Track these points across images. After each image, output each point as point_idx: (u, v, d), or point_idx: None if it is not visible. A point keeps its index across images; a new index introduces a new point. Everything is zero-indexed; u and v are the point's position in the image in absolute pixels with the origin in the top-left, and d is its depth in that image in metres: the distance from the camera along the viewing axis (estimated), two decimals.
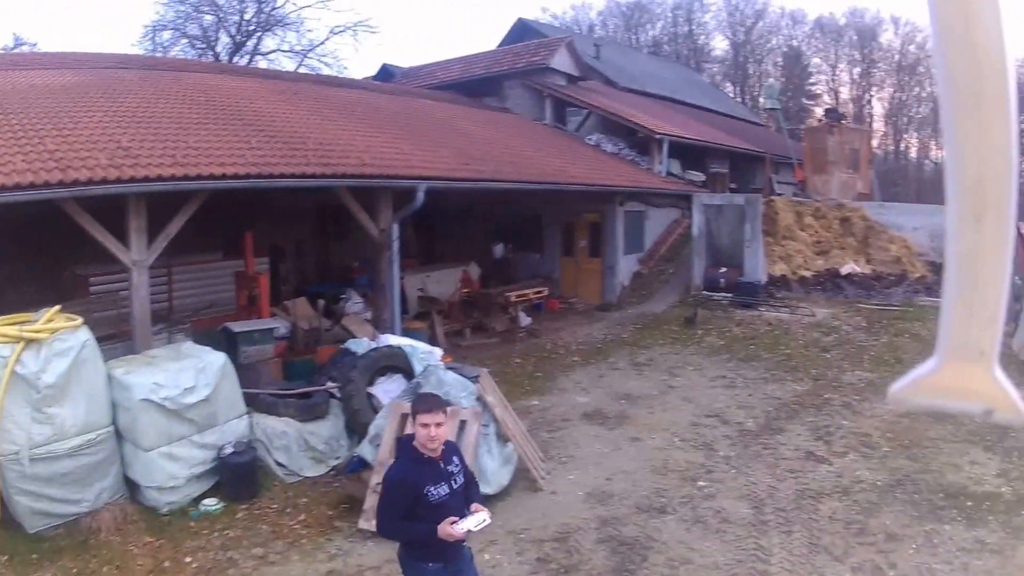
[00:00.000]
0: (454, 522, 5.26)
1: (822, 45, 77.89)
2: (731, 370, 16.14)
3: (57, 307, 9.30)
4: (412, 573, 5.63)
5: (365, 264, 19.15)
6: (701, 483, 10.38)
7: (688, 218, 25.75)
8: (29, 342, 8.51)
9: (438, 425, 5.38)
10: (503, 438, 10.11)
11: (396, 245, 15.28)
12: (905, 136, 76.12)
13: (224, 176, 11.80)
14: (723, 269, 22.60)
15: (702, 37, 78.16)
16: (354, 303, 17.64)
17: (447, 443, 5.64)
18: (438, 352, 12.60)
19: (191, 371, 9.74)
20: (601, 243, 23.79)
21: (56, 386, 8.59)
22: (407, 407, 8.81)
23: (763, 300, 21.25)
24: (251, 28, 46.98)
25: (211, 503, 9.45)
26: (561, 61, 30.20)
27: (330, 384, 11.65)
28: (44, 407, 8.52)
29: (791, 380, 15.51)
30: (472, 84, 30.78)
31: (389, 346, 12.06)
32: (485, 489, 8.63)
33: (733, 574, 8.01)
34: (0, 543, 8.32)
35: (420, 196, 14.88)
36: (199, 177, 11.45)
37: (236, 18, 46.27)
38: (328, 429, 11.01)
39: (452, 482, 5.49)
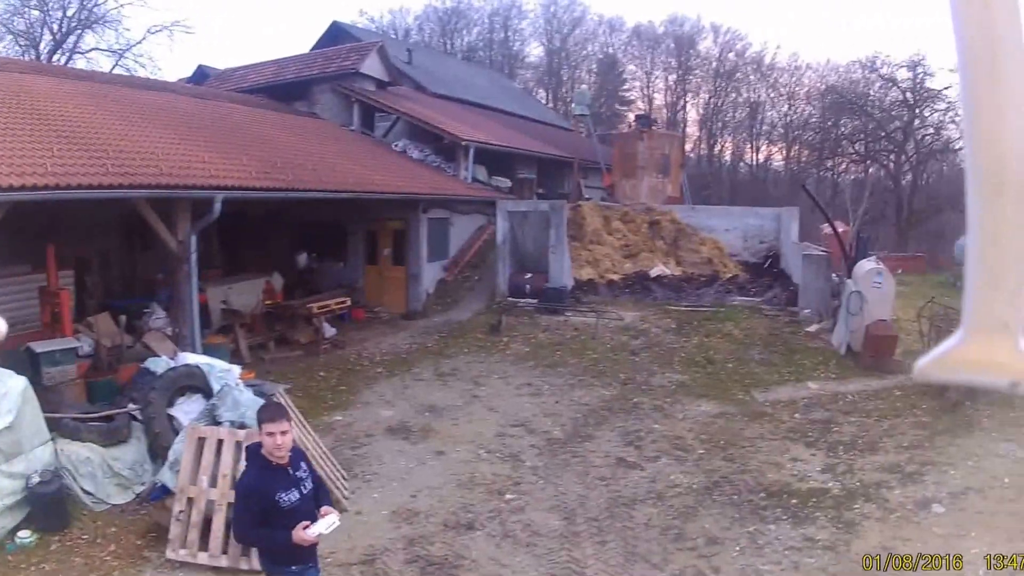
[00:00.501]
0: (307, 526, 5.57)
1: (638, 52, 79.27)
2: (537, 377, 16.33)
3: None
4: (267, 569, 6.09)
5: (168, 276, 18.35)
6: (509, 496, 10.48)
7: (494, 224, 25.83)
8: None
9: (283, 433, 5.71)
10: (308, 460, 10.04)
11: (194, 258, 15.01)
12: (720, 140, 78.02)
13: (23, 187, 11.26)
14: (529, 275, 22.88)
15: (518, 44, 78.99)
16: (157, 318, 16.99)
17: (294, 450, 5.94)
18: (236, 370, 12.46)
19: None
20: (405, 251, 23.81)
21: None
22: (204, 431, 9.18)
23: (569, 305, 21.48)
24: (72, 25, 45.66)
25: (25, 535, 9.13)
26: (372, 66, 30.35)
27: (131, 406, 11.22)
28: None
29: (599, 385, 15.78)
30: (283, 88, 30.51)
31: (187, 365, 11.83)
32: None
33: None
34: None
35: (217, 207, 14.75)
36: None
37: (60, 14, 45.03)
38: (132, 453, 10.68)
39: (302, 487, 5.82)
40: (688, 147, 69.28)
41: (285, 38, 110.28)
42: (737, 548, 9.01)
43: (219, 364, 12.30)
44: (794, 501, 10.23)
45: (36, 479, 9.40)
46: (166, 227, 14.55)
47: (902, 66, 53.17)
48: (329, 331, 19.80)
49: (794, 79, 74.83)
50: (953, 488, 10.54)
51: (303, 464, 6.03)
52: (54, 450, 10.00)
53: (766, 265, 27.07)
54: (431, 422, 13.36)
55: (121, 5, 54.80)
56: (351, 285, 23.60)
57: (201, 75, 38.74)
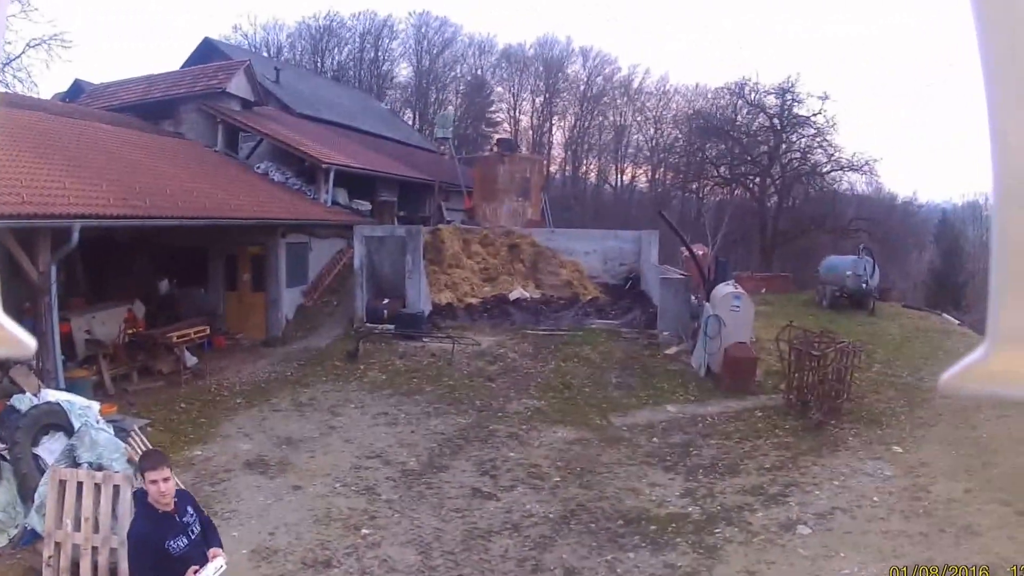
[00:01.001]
0: (196, 571, 5.55)
1: (507, 75, 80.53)
2: (393, 406, 16.29)
3: None
4: None
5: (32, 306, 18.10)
6: (365, 531, 10.47)
7: (351, 248, 25.86)
8: None
9: (165, 480, 5.68)
10: None
11: (54, 289, 14.84)
12: (585, 162, 79.60)
13: None
14: (386, 300, 22.91)
15: (387, 64, 79.36)
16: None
17: (180, 494, 6.02)
18: (96, 406, 12.27)
19: None
20: (265, 276, 23.64)
21: None
22: (65, 473, 9.20)
23: (427, 331, 21.52)
24: None
25: None
26: (238, 85, 30.22)
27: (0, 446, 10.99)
28: None
29: (455, 413, 15.82)
30: (152, 107, 29.97)
31: (48, 403, 11.66)
32: None
33: None
34: None
35: (75, 236, 14.39)
36: None
37: None
38: (3, 495, 10.35)
39: (189, 532, 5.79)
40: (553, 168, 70.49)
41: (162, 51, 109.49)
42: None
43: (79, 400, 12.20)
44: (653, 527, 10.42)
45: None
46: (28, 257, 14.36)
47: (770, 93, 54.55)
48: (191, 360, 19.43)
49: (661, 103, 76.83)
50: (819, 509, 10.92)
51: (189, 509, 5.99)
52: None
53: (627, 287, 27.55)
54: (288, 455, 13.24)
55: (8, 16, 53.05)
56: (212, 311, 23.27)
57: (77, 89, 38.31)
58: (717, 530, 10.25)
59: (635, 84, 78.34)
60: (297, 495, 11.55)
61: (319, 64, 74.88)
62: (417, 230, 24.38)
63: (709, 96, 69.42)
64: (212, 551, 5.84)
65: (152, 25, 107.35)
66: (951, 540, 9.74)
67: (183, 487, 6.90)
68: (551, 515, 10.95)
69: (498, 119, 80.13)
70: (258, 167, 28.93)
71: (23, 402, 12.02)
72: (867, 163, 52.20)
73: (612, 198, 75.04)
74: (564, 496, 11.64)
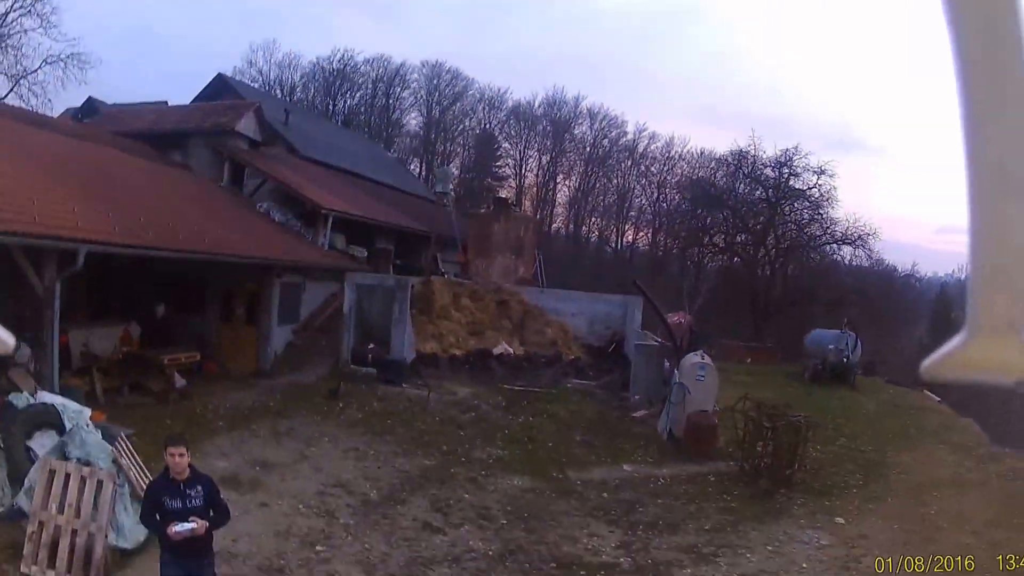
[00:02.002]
0: (174, 525, 7.35)
1: (515, 131, 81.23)
2: (365, 443, 17.00)
3: None
4: (161, 558, 7.77)
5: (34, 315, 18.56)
6: (319, 548, 11.26)
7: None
8: None
9: (180, 456, 7.62)
10: (137, 499, 10.74)
11: (57, 304, 15.56)
12: (587, 222, 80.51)
13: None
14: (371, 345, 23.70)
15: (398, 112, 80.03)
16: (22, 354, 16.84)
17: (203, 477, 7.98)
18: (87, 412, 13.10)
19: None
20: (258, 312, 24.26)
21: None
22: (56, 464, 10.29)
23: (407, 377, 22.28)
24: None
25: None
26: (247, 125, 30.97)
27: None
28: None
29: (421, 455, 16.52)
30: (162, 136, 30.75)
31: (44, 404, 12.63)
32: (122, 543, 10.32)
33: None
34: None
35: (81, 260, 15.18)
36: None
37: None
38: None
39: (188, 501, 7.55)
40: (556, 225, 71.06)
41: (175, 75, 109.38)
42: None
43: (72, 405, 13.11)
44: (582, 573, 11.07)
45: None
46: (35, 271, 15.13)
47: (768, 166, 55.22)
48: (180, 382, 20.05)
49: (666, 168, 77.61)
50: (746, 570, 11.43)
51: (200, 488, 7.69)
52: None
53: (611, 349, 28.12)
54: (260, 476, 13.90)
55: (25, 30, 52.48)
56: (205, 340, 23.89)
57: (90, 107, 39.15)
58: None
59: (640, 148, 79.38)
60: (263, 511, 12.24)
61: (331, 106, 75.75)
62: (406, 281, 25.19)
63: (712, 165, 70.02)
64: (192, 517, 7.40)
65: (167, 49, 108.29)
66: None
67: (208, 475, 8.40)
68: (491, 552, 11.65)
69: (504, 173, 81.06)
70: (260, 206, 29.52)
71: (20, 400, 12.99)
72: (860, 237, 52.46)
73: (612, 259, 75.64)
74: (506, 537, 12.32)
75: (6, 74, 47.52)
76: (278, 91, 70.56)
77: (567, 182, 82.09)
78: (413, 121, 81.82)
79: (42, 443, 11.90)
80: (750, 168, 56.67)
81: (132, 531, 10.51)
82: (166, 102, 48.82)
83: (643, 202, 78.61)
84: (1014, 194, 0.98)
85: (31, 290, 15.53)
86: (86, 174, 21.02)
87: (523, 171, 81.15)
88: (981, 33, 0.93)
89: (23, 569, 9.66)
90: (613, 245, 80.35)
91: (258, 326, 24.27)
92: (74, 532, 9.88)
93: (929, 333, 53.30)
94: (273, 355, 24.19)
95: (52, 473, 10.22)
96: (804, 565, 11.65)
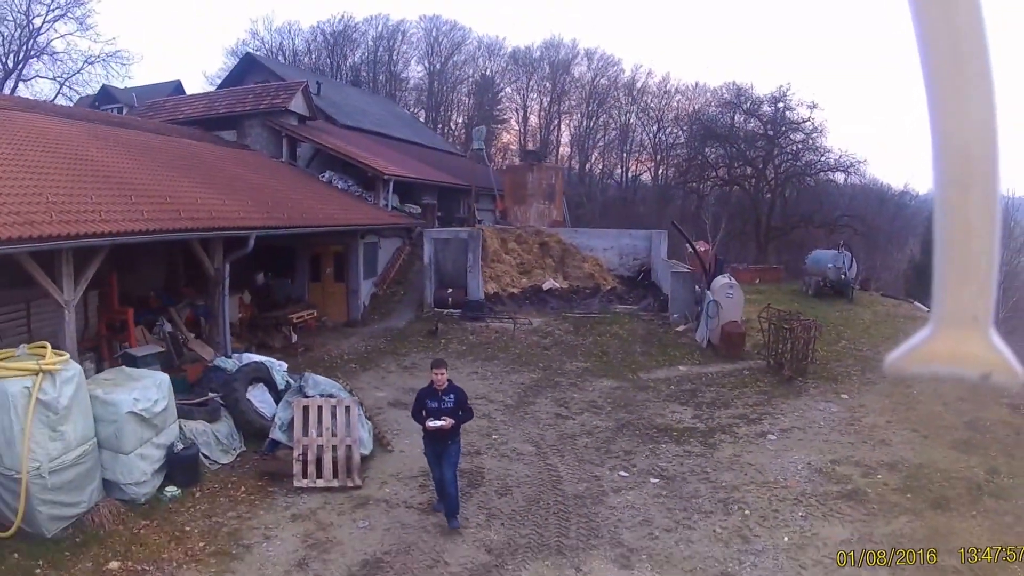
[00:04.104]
0: (430, 419, 10.48)
1: (515, 76, 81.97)
2: (479, 367, 20.45)
3: (44, 343, 10.81)
4: (424, 442, 10.98)
5: (160, 295, 20.31)
6: (494, 436, 15.02)
7: (408, 246, 30.05)
8: (45, 373, 9.91)
9: (440, 374, 10.64)
10: (368, 417, 14.29)
11: (227, 282, 18.25)
12: (591, 160, 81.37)
13: (131, 232, 13.70)
14: (450, 289, 26.77)
15: (400, 64, 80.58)
16: (166, 328, 18.76)
17: (455, 389, 10.81)
18: (284, 365, 16.20)
19: (153, 387, 11.83)
20: (345, 270, 27.40)
21: (67, 407, 10.12)
22: (306, 401, 13.18)
23: (487, 314, 25.42)
24: (21, 55, 46.60)
25: (172, 490, 11.54)
26: (297, 103, 33.40)
27: (213, 395, 14.13)
28: (58, 426, 9.98)
29: (527, 371, 20.01)
30: (215, 121, 32.99)
31: (255, 362, 15.36)
32: (362, 451, 12.82)
33: (539, 480, 12.69)
34: (28, 551, 9.52)
35: (251, 243, 17.89)
36: (116, 233, 13.31)
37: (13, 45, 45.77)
38: (225, 428, 13.53)
39: (442, 404, 10.56)
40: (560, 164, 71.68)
41: (178, 56, 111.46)
42: (645, 455, 14.06)
43: (275, 361, 16.11)
44: (675, 433, 15.36)
45: (180, 446, 12.12)
46: (207, 256, 17.60)
47: (763, 102, 57.66)
48: (293, 338, 22.79)
49: (664, 103, 78.33)
50: (782, 426, 15.75)
51: (452, 396, 10.65)
52: (179, 425, 12.62)
53: (639, 278, 31.20)
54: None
55: (64, 35, 54.63)
56: (298, 299, 26.58)
57: (105, 95, 41.04)
58: (715, 436, 15.09)
59: (638, 84, 79.97)
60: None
61: (336, 67, 76.03)
62: (478, 233, 28.12)
63: (708, 96, 72.10)
64: (443, 415, 10.46)
65: (166, 30, 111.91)
66: (869, 447, 14.33)
67: (461, 387, 11.15)
68: (610, 427, 15.60)
69: (505, 117, 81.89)
70: (323, 176, 31.98)
71: (227, 363, 15.74)
72: (851, 164, 55.35)
73: (617, 194, 75.69)
74: (616, 416, 16.30)
75: (53, 78, 48.76)
76: (281, 58, 70.78)
77: (569, 122, 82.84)
78: (416, 74, 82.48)
79: (256, 396, 14.35)
80: (747, 104, 58.82)
81: (367, 441, 13.35)
82: (179, 82, 51.37)
83: (644, 137, 78.99)
84: (978, 189, 1.03)
85: (153, 270, 17.84)
86: (191, 165, 22.91)
87: (526, 114, 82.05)
88: (943, 31, 0.98)
89: (296, 484, 11.96)
90: (618, 181, 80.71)
91: (347, 282, 27.17)
92: (334, 448, 12.50)
93: (921, 249, 53.98)
94: (362, 307, 27.31)
95: (305, 409, 12.83)
96: (821, 423, 15.99)
